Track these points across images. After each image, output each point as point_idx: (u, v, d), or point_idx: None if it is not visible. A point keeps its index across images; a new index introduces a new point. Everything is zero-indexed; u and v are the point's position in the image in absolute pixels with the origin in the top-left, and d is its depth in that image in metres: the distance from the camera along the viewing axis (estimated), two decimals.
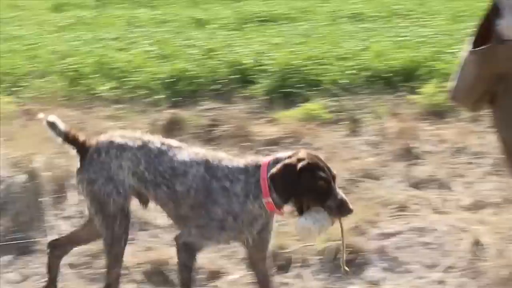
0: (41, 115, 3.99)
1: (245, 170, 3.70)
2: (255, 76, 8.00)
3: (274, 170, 3.60)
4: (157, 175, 3.80)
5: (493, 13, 2.62)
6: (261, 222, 3.73)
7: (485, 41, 2.60)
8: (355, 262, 4.57)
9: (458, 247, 4.72)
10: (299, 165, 3.56)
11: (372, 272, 4.57)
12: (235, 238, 3.80)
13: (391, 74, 7.75)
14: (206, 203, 3.70)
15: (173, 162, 3.78)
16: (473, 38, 2.68)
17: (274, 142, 6.51)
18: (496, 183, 5.54)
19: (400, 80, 7.58)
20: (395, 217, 5.23)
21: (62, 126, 3.94)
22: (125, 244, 3.90)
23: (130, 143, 3.87)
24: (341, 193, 3.55)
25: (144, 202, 3.98)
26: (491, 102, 2.72)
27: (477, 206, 5.21)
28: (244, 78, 8.00)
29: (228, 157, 3.80)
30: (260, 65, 8.14)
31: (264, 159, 3.70)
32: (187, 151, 3.82)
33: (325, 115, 7.09)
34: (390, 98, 7.31)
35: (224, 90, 7.80)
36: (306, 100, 7.41)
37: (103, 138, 3.94)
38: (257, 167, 3.68)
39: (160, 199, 3.85)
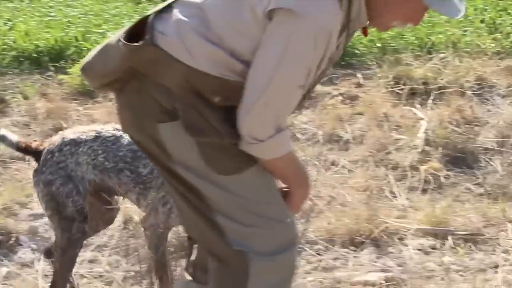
0: None
1: None
2: None
3: None
4: (118, 161, 3.67)
5: (158, 14, 2.66)
6: None
7: (139, 36, 2.63)
8: (7, 244, 4.49)
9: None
10: None
11: (23, 253, 4.53)
12: None
13: (39, 54, 7.64)
14: None
15: (132, 144, 3.60)
16: (128, 29, 2.69)
17: None
18: None
19: (48, 60, 7.49)
20: None
21: (12, 137, 3.81)
22: (80, 248, 3.75)
23: (83, 137, 3.69)
24: None
25: (104, 202, 3.82)
26: (119, 91, 2.75)
27: None
28: None
29: None
30: None
31: None
32: None
33: None
34: (39, 78, 7.20)
35: None
36: None
37: (54, 138, 3.76)
38: None
39: (124, 184, 3.70)
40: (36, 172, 3.80)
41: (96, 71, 2.75)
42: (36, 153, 3.82)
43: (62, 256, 3.79)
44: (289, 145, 2.65)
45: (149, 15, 2.66)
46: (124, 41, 2.63)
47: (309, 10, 2.51)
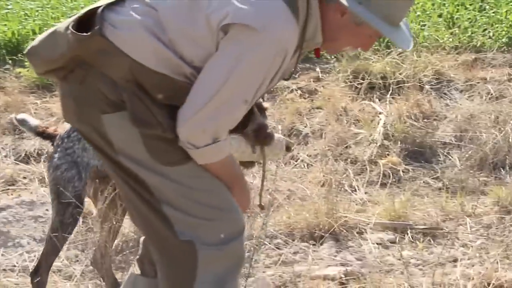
0: (12, 114, 3.95)
1: None
2: None
3: None
4: None
5: (110, 5, 2.64)
6: None
7: (89, 25, 2.62)
8: None
9: None
10: None
11: None
12: None
13: None
14: None
15: None
16: (78, 17, 2.66)
17: None
18: None
19: (5, 53, 7.41)
20: (3, 192, 5.16)
21: (32, 122, 3.91)
22: (69, 234, 3.77)
23: None
24: (263, 120, 3.28)
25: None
26: (63, 78, 2.73)
27: None
28: None
29: None
30: None
31: None
32: None
33: None
34: None
35: None
36: None
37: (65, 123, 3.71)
38: None
39: None
40: (49, 157, 3.90)
41: (42, 57, 2.72)
42: (52, 138, 3.91)
43: (51, 239, 3.81)
44: (225, 152, 2.67)
45: (99, 6, 2.64)
46: (73, 30, 2.61)
47: (267, 27, 2.53)
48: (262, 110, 3.39)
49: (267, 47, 2.54)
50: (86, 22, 2.63)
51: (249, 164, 3.49)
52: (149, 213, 2.70)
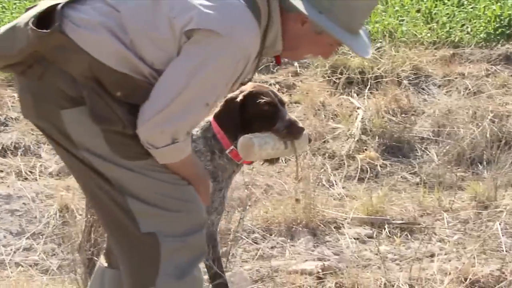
0: None
1: (199, 126, 3.47)
2: None
3: (216, 109, 3.41)
4: None
5: (70, 3, 2.62)
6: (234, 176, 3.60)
7: (49, 21, 2.60)
8: None
9: (45, 213, 4.76)
10: (240, 95, 3.40)
11: None
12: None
13: None
14: None
15: None
16: (38, 13, 2.62)
17: None
18: None
19: None
20: None
21: None
22: None
23: None
24: (290, 116, 3.34)
25: None
26: (21, 73, 2.69)
27: (63, 172, 5.28)
28: None
29: None
30: None
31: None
32: None
33: None
34: None
35: None
36: None
37: None
38: (208, 122, 3.47)
39: None
40: None
41: (0, 52, 2.68)
42: None
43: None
44: (185, 152, 2.68)
45: (59, 3, 2.62)
46: (33, 26, 2.59)
47: (232, 32, 2.55)
48: (283, 104, 3.46)
49: (232, 52, 2.57)
50: (46, 18, 2.61)
51: (275, 161, 3.53)
52: (111, 206, 2.70)
